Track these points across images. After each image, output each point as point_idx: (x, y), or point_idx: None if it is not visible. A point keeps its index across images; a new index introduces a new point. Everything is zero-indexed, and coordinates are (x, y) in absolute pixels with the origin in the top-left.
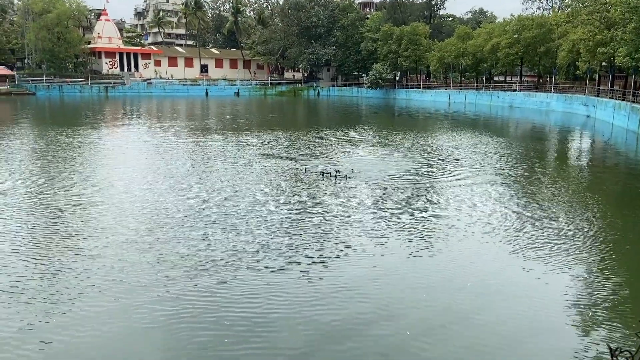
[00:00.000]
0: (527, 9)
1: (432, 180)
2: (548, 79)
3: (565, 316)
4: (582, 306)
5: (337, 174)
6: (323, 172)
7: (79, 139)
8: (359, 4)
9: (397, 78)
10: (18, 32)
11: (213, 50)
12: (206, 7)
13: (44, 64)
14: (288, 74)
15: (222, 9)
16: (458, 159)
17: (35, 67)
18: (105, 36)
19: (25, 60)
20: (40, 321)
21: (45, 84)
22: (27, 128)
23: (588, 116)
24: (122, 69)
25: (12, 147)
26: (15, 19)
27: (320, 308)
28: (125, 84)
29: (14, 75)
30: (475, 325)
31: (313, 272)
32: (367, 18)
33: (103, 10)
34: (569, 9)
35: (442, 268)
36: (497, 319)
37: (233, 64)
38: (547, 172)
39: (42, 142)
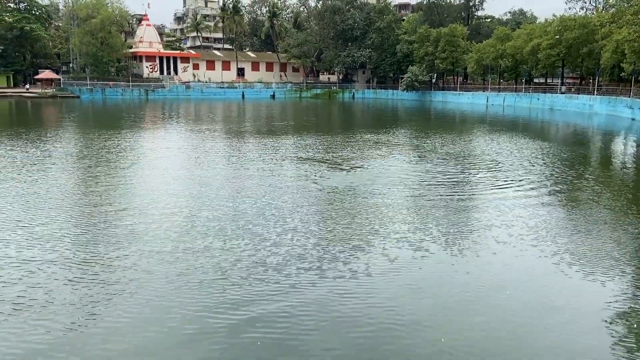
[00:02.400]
0: (570, 8)
1: (472, 187)
2: (591, 80)
3: (610, 330)
4: (628, 321)
5: None
6: None
7: (118, 142)
8: (395, 6)
9: (433, 80)
10: (63, 37)
11: (250, 53)
12: (243, 11)
13: (88, 68)
14: (323, 77)
15: (258, 12)
16: (499, 165)
17: (79, 71)
18: (146, 41)
19: (70, 65)
20: (64, 334)
21: (89, 87)
22: (70, 130)
23: (633, 119)
24: (161, 72)
25: (52, 150)
26: (60, 24)
27: (354, 323)
28: (164, 87)
29: (59, 79)
30: (512, 335)
31: (346, 285)
32: (404, 20)
33: (144, 15)
34: (614, 9)
35: (480, 276)
36: (536, 329)
37: (269, 67)
38: (593, 179)
39: (83, 144)
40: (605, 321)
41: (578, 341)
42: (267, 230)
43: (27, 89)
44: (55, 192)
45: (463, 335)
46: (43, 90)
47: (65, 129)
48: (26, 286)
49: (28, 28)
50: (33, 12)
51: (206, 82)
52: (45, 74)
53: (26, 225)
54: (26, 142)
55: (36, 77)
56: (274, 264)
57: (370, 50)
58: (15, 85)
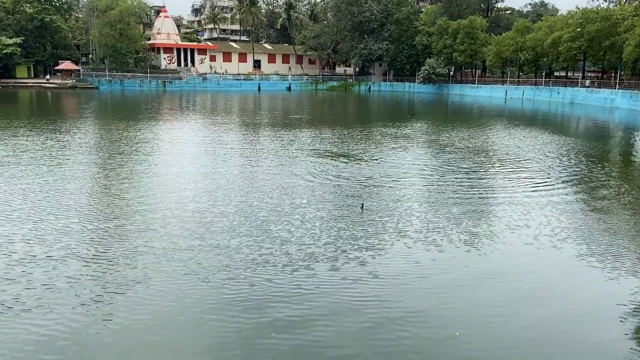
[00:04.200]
0: (592, 0)
1: (492, 184)
2: (613, 74)
3: (628, 326)
4: None
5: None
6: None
7: (135, 134)
8: None
9: (451, 73)
10: (83, 28)
11: (266, 45)
12: (260, 2)
13: (107, 59)
14: (339, 69)
15: (275, 4)
16: (520, 161)
17: (98, 62)
18: (164, 32)
19: (90, 56)
20: (72, 333)
21: (107, 78)
22: (88, 121)
23: None
24: (179, 64)
25: (70, 141)
26: (80, 16)
27: (369, 326)
28: (182, 79)
29: (79, 70)
30: (527, 329)
31: (361, 287)
32: (422, 12)
33: (162, 7)
34: (637, 1)
35: (497, 272)
36: (554, 324)
37: (285, 59)
38: (617, 176)
39: (100, 136)
40: (624, 318)
41: (596, 336)
42: (282, 227)
43: (47, 80)
44: (69, 185)
45: (477, 330)
46: (63, 81)
47: (83, 120)
48: (35, 283)
49: (48, 19)
50: (53, 3)
51: (223, 74)
52: (65, 64)
53: (37, 219)
54: (45, 132)
55: (56, 67)
56: (287, 264)
57: (387, 42)
58: (36, 76)
